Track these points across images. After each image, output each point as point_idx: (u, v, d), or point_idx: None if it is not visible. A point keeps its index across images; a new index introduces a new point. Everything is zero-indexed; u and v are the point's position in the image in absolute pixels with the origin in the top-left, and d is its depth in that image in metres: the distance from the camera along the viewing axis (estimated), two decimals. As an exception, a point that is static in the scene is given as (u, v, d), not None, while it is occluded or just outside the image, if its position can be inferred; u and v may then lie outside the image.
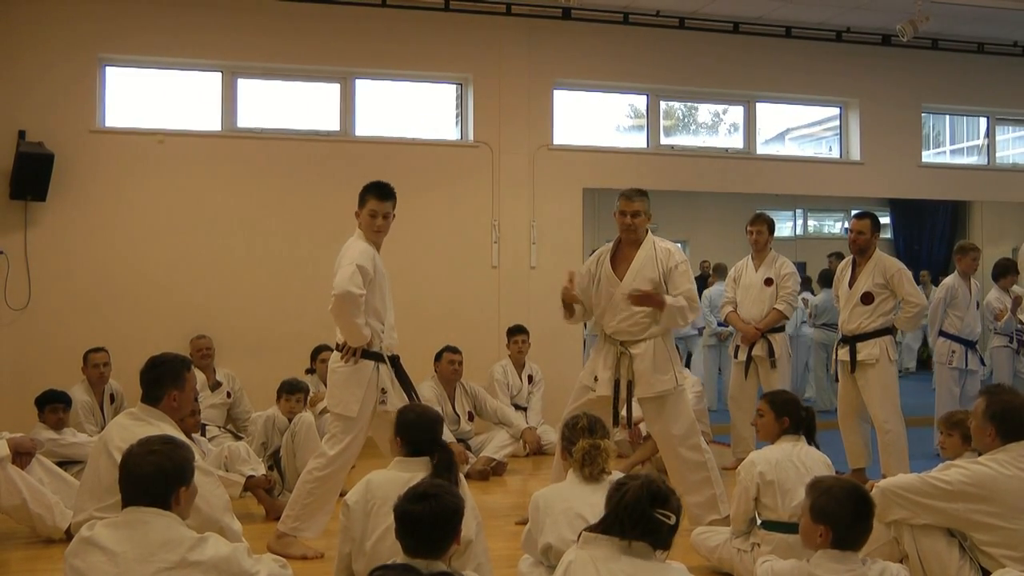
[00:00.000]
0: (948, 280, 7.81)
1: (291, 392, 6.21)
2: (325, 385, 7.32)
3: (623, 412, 5.17)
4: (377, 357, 4.74)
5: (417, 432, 3.74)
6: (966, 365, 7.61)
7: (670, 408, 5.12)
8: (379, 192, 4.83)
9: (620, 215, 5.19)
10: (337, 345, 4.77)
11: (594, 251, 5.55)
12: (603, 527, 2.92)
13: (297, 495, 4.78)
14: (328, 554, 4.59)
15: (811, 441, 4.38)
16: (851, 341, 6.43)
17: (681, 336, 10.17)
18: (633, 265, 5.16)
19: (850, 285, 6.52)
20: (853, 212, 7.10)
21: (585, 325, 7.50)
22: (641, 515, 2.84)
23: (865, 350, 6.36)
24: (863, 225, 6.46)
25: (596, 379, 5.20)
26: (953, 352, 7.62)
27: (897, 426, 6.32)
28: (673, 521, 2.85)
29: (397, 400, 4.72)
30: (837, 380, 6.76)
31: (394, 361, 4.83)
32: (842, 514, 3.11)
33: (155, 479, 2.94)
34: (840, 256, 9.02)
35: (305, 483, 4.76)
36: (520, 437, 7.49)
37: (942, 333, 7.71)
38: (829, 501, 3.15)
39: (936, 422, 6.59)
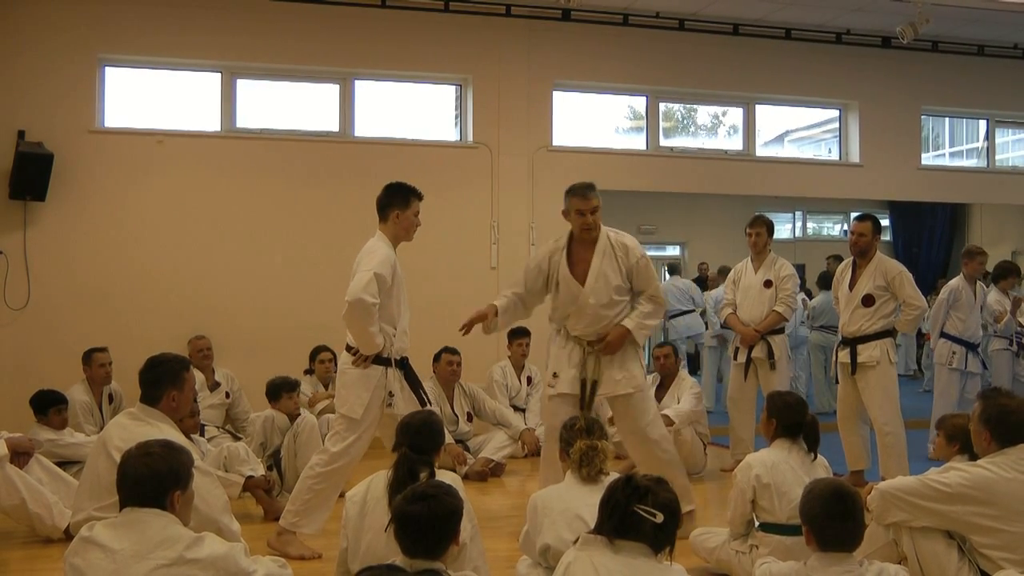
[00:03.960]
0: (953, 282, 7.81)
1: (292, 389, 6.20)
2: (324, 386, 7.40)
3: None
4: (386, 362, 4.75)
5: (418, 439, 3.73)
6: (966, 367, 7.61)
7: (636, 404, 5.09)
8: (421, 195, 4.89)
9: (578, 214, 4.98)
10: (348, 346, 4.76)
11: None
12: (596, 527, 2.93)
13: (299, 491, 4.80)
14: (327, 554, 4.61)
15: (812, 450, 4.30)
16: (851, 343, 6.43)
17: (682, 338, 10.20)
18: (592, 267, 5.02)
19: (850, 287, 6.50)
20: (853, 214, 7.10)
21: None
22: (623, 512, 2.84)
23: (866, 352, 6.36)
24: (864, 227, 6.46)
25: (555, 376, 5.11)
26: (954, 354, 7.62)
27: (897, 428, 6.31)
28: (660, 519, 2.82)
29: (404, 404, 4.75)
30: (837, 382, 6.76)
31: (403, 363, 4.83)
32: (815, 513, 3.16)
33: (149, 481, 2.95)
34: (838, 258, 9.02)
35: (307, 479, 4.78)
36: (519, 438, 7.49)
37: (944, 335, 7.71)
38: (806, 500, 3.23)
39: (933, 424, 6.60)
